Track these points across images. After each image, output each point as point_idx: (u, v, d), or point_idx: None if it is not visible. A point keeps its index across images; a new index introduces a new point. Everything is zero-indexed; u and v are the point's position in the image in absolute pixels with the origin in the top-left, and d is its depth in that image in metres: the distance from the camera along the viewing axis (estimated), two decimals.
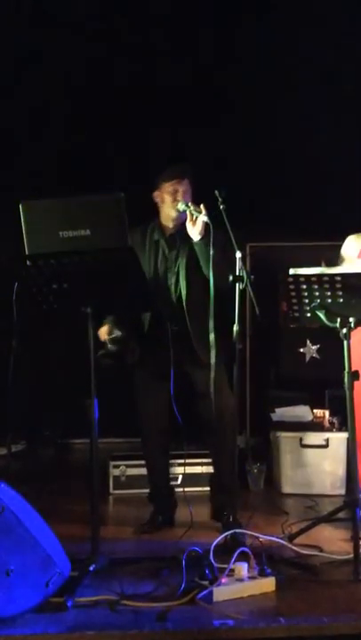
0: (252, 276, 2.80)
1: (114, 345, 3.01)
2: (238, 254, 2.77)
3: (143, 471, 3.35)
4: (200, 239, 2.92)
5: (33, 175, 4.04)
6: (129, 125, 4.29)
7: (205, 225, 2.88)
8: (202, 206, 2.87)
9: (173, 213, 3.03)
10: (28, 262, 2.45)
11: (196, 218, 2.89)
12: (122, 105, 4.29)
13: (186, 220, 2.97)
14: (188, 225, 2.94)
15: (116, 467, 3.79)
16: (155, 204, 3.10)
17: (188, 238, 2.98)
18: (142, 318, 3.06)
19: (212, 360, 2.83)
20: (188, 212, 2.93)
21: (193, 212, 2.90)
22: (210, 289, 2.78)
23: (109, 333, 3.03)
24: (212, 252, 2.79)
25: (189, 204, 2.94)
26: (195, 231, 2.93)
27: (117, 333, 3.02)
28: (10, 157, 4.10)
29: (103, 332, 3.06)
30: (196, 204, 2.92)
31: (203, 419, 3.05)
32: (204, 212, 2.86)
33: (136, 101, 4.27)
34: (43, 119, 4.25)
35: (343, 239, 3.63)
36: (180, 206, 2.96)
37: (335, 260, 3.44)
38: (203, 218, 2.86)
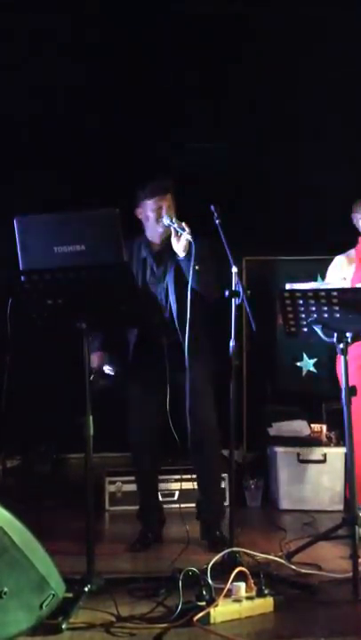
0: (249, 291, 2.78)
1: (102, 378, 3.00)
2: (234, 269, 2.76)
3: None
4: (185, 256, 2.91)
5: (28, 190, 4.03)
6: (124, 137, 4.30)
7: (188, 243, 2.86)
8: (184, 224, 2.87)
9: (158, 230, 3.02)
10: (22, 278, 2.43)
11: (180, 235, 2.88)
12: (116, 116, 4.30)
13: (169, 235, 2.97)
14: (173, 241, 2.94)
15: (112, 483, 3.77)
16: (138, 220, 3.09)
17: (175, 253, 2.98)
18: (128, 336, 3.06)
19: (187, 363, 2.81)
20: (172, 229, 2.93)
21: (177, 229, 2.89)
22: (192, 304, 2.78)
23: (99, 366, 3.02)
24: (196, 269, 2.78)
25: (174, 219, 2.93)
26: (179, 247, 2.92)
27: (108, 371, 3.01)
28: (5, 172, 4.10)
29: (96, 363, 3.03)
30: (180, 220, 2.91)
31: (188, 433, 3.04)
32: (187, 229, 2.85)
33: (130, 111, 4.28)
34: (37, 133, 4.25)
35: (340, 254, 3.64)
36: (165, 221, 2.96)
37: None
38: (186, 236, 2.85)
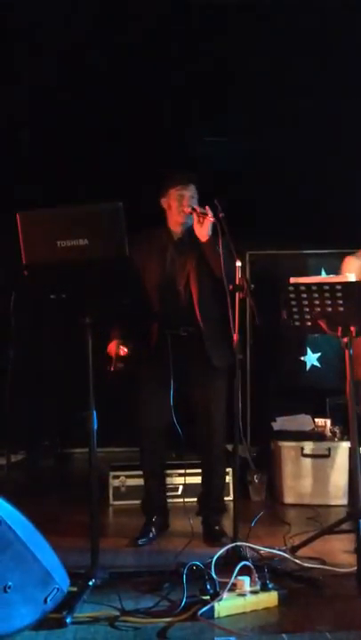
0: (252, 285, 2.77)
1: (122, 362, 3.00)
2: (238, 263, 2.75)
3: (143, 482, 3.32)
4: (208, 240, 2.94)
5: (31, 185, 4.03)
6: (128, 133, 4.28)
7: (213, 226, 2.90)
8: (207, 208, 2.90)
9: (181, 218, 3.06)
10: (25, 272, 2.42)
11: (203, 219, 2.93)
12: (121, 113, 4.29)
13: (193, 224, 3.00)
14: (196, 227, 2.98)
15: (116, 477, 3.77)
16: (162, 210, 3.13)
17: (197, 242, 3.00)
18: (150, 327, 3.04)
19: (238, 357, 2.79)
20: (195, 215, 2.97)
21: (200, 213, 2.93)
22: (224, 288, 2.76)
23: (117, 352, 3.01)
24: (222, 252, 2.79)
25: (194, 207, 2.98)
26: (202, 232, 2.96)
27: (125, 352, 3.01)
28: (7, 168, 4.09)
29: (112, 350, 3.04)
30: (202, 206, 2.95)
31: (198, 425, 3.05)
32: (210, 213, 2.89)
33: (135, 109, 4.26)
34: (39, 129, 4.24)
35: (344, 247, 3.62)
36: (188, 208, 3.00)
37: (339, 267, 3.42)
38: (210, 219, 2.89)
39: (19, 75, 4.07)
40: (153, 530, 3.10)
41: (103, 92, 4.25)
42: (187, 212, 3.00)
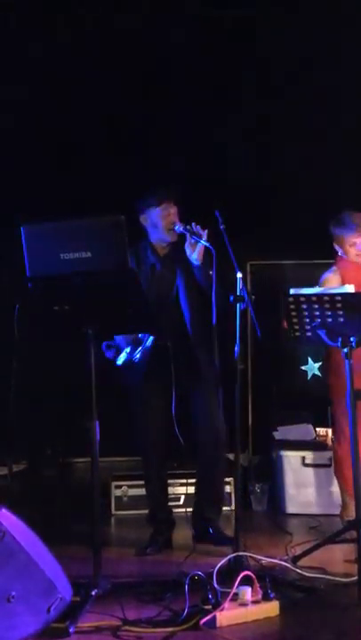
0: (253, 297, 2.80)
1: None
2: (239, 274, 2.78)
3: (145, 491, 3.33)
4: (200, 264, 2.92)
5: (33, 198, 4.07)
6: (126, 143, 4.32)
7: (206, 249, 2.87)
8: (200, 230, 2.87)
9: (169, 237, 3.04)
10: (29, 284, 2.45)
11: (196, 242, 2.89)
12: (118, 122, 4.33)
13: (177, 239, 2.99)
14: (188, 249, 2.95)
15: (118, 487, 3.78)
16: (142, 227, 3.10)
17: (183, 257, 2.99)
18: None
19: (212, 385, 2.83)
20: (187, 236, 2.92)
21: (193, 237, 2.89)
22: (212, 311, 2.77)
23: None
24: (214, 276, 2.78)
25: (188, 227, 2.92)
26: (195, 255, 2.93)
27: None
28: (10, 180, 4.13)
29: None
30: (195, 226, 2.90)
31: (195, 436, 3.06)
32: (204, 237, 2.86)
33: (132, 118, 4.30)
34: (42, 141, 4.28)
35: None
36: (178, 229, 2.96)
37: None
38: (203, 243, 2.86)
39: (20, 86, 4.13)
40: (160, 540, 3.09)
41: (107, 102, 4.30)
42: (177, 232, 2.95)
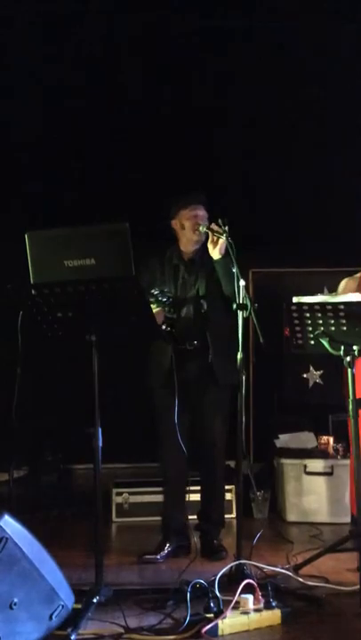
0: (256, 304, 2.81)
1: (168, 326, 3.00)
2: (242, 282, 2.79)
3: (146, 498, 3.34)
4: (221, 258, 2.99)
5: (38, 205, 4.09)
6: (132, 153, 4.35)
7: (226, 246, 2.94)
8: (224, 227, 2.94)
9: (195, 237, 3.11)
10: (33, 291, 2.46)
11: (217, 239, 2.98)
12: (126, 133, 4.36)
13: (204, 243, 3.06)
14: (210, 246, 3.03)
15: (119, 494, 3.77)
16: (173, 231, 3.19)
17: (207, 261, 3.06)
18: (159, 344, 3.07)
19: (242, 377, 2.81)
20: (210, 234, 3.01)
21: (215, 234, 2.98)
22: (231, 308, 2.79)
23: (163, 318, 3.02)
24: (235, 270, 2.82)
25: (211, 225, 3.02)
26: (216, 251, 3.02)
27: (169, 315, 3.02)
28: (15, 187, 4.15)
29: (160, 316, 3.01)
30: (216, 225, 2.99)
31: (200, 441, 3.06)
32: (225, 233, 2.93)
33: (138, 127, 4.33)
34: (49, 148, 4.30)
35: (347, 265, 3.65)
36: (202, 228, 3.05)
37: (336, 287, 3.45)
38: (224, 238, 2.93)
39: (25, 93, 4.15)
40: (169, 547, 3.06)
41: (113, 112, 4.33)
42: (202, 231, 3.05)
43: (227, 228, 2.94)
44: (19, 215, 3.78)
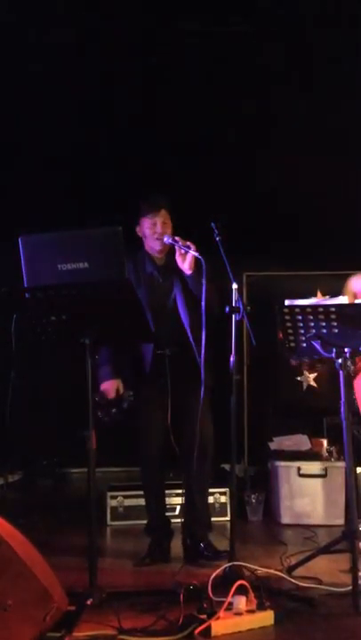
0: (249, 307, 2.82)
1: (121, 406, 3.01)
2: (235, 285, 2.80)
3: (141, 502, 3.34)
4: (191, 273, 2.96)
5: (32, 207, 4.09)
6: (126, 155, 4.36)
7: (196, 259, 2.91)
8: (190, 243, 2.91)
9: (157, 246, 3.08)
10: (26, 294, 2.48)
11: (186, 252, 2.93)
12: (119, 135, 4.37)
13: (171, 247, 3.01)
14: (178, 259, 2.99)
15: (114, 497, 3.78)
16: (139, 238, 3.16)
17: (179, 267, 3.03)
18: (143, 349, 3.08)
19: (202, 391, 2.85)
20: (176, 247, 2.97)
21: (181, 247, 2.93)
22: (203, 317, 2.81)
23: (118, 394, 3.05)
24: (204, 285, 2.82)
25: (177, 238, 2.97)
26: (185, 265, 2.97)
27: (127, 396, 3.04)
28: (9, 190, 4.16)
29: (112, 390, 3.05)
30: (183, 238, 2.95)
31: (185, 445, 3.04)
32: (192, 247, 2.90)
33: (133, 129, 4.35)
34: (43, 151, 4.31)
35: (340, 269, 3.68)
36: (166, 240, 3.01)
37: (334, 289, 3.48)
38: (192, 253, 2.90)
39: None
40: (157, 551, 3.08)
41: (108, 114, 4.34)
42: (166, 243, 3.00)
43: (192, 245, 2.88)
44: (12, 219, 3.79)
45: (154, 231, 3.05)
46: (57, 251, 2.46)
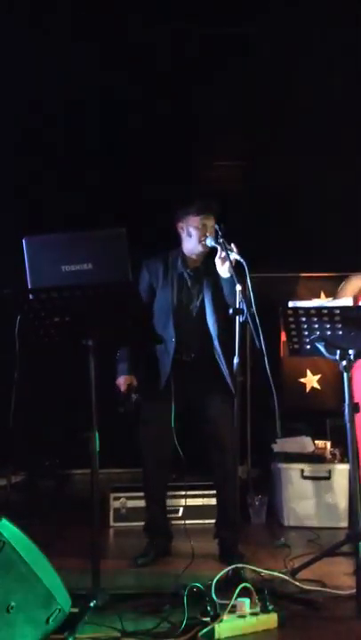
0: (253, 309, 2.82)
1: (129, 400, 3.07)
2: (238, 287, 2.80)
3: (144, 503, 3.34)
4: (230, 276, 2.90)
5: (35, 208, 4.10)
6: (128, 154, 4.36)
7: (236, 262, 2.85)
8: (233, 245, 2.85)
9: (200, 249, 3.06)
10: (30, 296, 2.47)
11: (227, 255, 2.86)
12: (123, 138, 4.38)
13: (209, 252, 3.00)
14: (218, 261, 2.93)
15: (117, 499, 3.77)
16: (177, 233, 3.13)
17: (212, 271, 3.00)
18: (156, 352, 3.08)
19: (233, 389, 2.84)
20: (219, 249, 2.91)
21: (225, 251, 2.85)
22: (231, 323, 2.77)
23: (130, 388, 3.09)
24: (238, 289, 2.76)
25: (221, 240, 2.89)
26: (224, 268, 2.91)
27: (135, 393, 3.09)
28: (13, 192, 4.16)
29: (123, 384, 3.11)
30: (228, 241, 2.88)
31: (211, 450, 3.06)
32: (235, 250, 2.85)
33: (135, 130, 4.35)
34: (46, 152, 4.32)
35: (343, 270, 3.67)
36: (209, 242, 2.96)
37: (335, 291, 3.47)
38: (235, 256, 2.83)
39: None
40: (153, 551, 3.11)
41: (110, 115, 4.34)
42: (210, 245, 2.95)
43: (235, 248, 2.83)
44: (16, 220, 3.79)
45: (203, 233, 3.01)
46: (60, 252, 2.45)
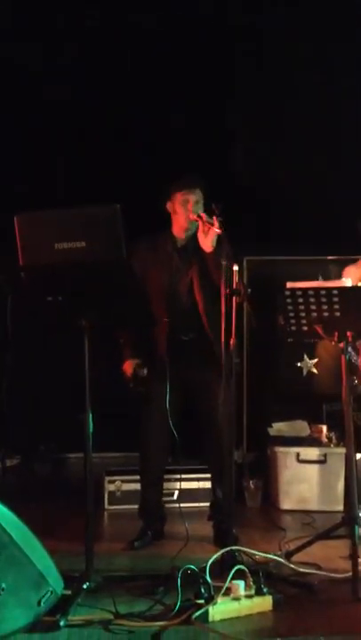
0: (249, 290, 2.78)
1: (137, 383, 3.04)
2: (235, 267, 2.76)
3: (138, 486, 3.32)
4: (211, 251, 2.90)
5: (28, 187, 4.04)
6: (127, 138, 4.31)
7: (218, 237, 2.85)
8: (214, 218, 2.83)
9: (185, 224, 3.03)
10: (22, 274, 2.43)
11: (208, 229, 2.87)
12: (122, 117, 4.32)
13: (196, 231, 2.97)
14: (200, 235, 2.93)
15: (112, 482, 3.76)
16: (169, 214, 3.10)
17: (200, 249, 2.97)
18: (153, 333, 3.04)
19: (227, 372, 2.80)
20: (200, 222, 2.90)
21: (205, 222, 2.86)
22: (220, 298, 2.74)
23: (135, 372, 3.05)
24: (223, 263, 2.74)
25: (201, 214, 2.91)
26: (206, 242, 2.91)
27: (142, 373, 3.06)
28: (4, 170, 4.10)
29: (128, 369, 3.08)
30: (209, 215, 2.87)
31: (205, 431, 3.03)
32: (216, 223, 2.83)
33: (135, 113, 4.29)
34: (37, 131, 4.26)
35: (342, 254, 3.63)
36: (193, 215, 2.95)
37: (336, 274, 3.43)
38: (215, 230, 2.83)
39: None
40: (149, 534, 3.10)
41: (107, 90, 4.28)
42: (191, 219, 2.95)
43: (216, 221, 2.81)
44: (9, 197, 3.73)
45: (186, 208, 2.99)
46: (54, 229, 2.40)
